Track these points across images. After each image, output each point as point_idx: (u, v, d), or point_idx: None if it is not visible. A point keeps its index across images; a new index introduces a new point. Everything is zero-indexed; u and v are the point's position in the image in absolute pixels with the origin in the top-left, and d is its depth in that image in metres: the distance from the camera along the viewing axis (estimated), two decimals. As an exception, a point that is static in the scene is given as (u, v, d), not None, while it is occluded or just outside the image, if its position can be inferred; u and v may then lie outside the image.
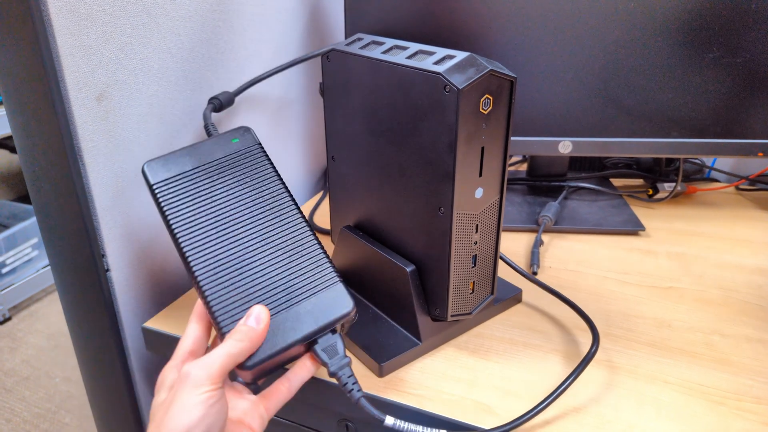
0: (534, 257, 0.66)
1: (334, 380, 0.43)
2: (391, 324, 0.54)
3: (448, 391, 0.48)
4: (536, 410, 0.44)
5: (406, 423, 0.41)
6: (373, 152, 0.52)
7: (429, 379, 0.49)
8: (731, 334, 0.55)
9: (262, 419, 0.42)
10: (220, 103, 0.63)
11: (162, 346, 0.58)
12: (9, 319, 1.82)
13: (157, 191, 0.46)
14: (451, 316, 0.50)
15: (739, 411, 0.45)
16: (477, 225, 0.48)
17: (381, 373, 0.49)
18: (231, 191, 0.47)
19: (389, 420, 0.40)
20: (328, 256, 0.46)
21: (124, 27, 0.53)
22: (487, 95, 0.43)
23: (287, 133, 0.84)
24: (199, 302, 0.44)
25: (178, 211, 0.46)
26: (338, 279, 0.45)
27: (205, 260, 0.44)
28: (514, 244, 0.72)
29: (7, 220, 1.97)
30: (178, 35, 0.59)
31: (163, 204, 0.46)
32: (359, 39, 0.52)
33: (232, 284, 0.44)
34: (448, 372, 0.50)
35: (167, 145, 0.60)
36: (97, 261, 0.55)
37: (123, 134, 0.55)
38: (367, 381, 0.49)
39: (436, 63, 0.44)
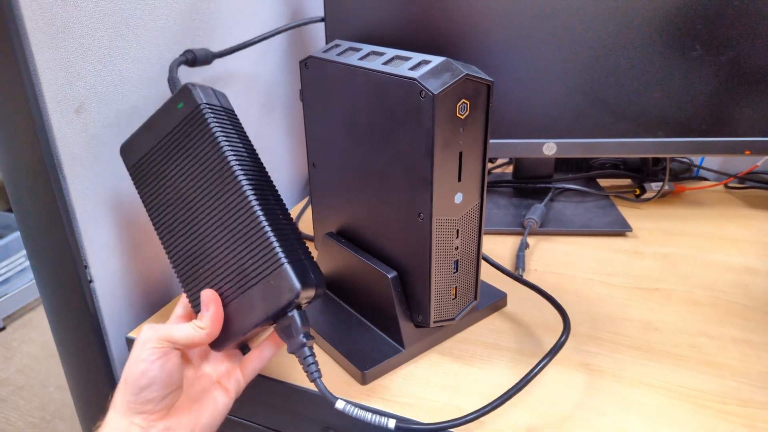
0: (519, 260, 0.66)
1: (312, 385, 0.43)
2: (373, 331, 0.54)
3: (432, 398, 0.48)
4: (496, 403, 0.44)
5: (356, 408, 0.41)
6: (352, 159, 0.52)
7: (412, 386, 0.49)
8: (718, 335, 0.55)
9: (238, 383, 0.46)
10: (194, 57, 0.58)
11: (146, 357, 0.57)
12: (3, 328, 1.82)
13: (132, 177, 0.49)
14: (434, 322, 0.50)
15: (723, 414, 0.45)
16: (457, 230, 0.48)
17: (364, 381, 0.49)
18: (184, 169, 0.46)
19: (339, 404, 0.41)
20: (277, 235, 0.43)
21: (102, 39, 0.52)
22: (463, 100, 0.43)
23: (271, 139, 0.84)
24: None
25: (148, 194, 0.48)
26: (284, 261, 0.42)
27: (172, 240, 0.46)
28: (500, 248, 0.72)
29: (0, 230, 1.97)
30: (158, 45, 0.58)
31: (138, 190, 0.49)
32: (337, 45, 0.52)
33: (193, 266, 0.45)
34: (431, 379, 0.50)
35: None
36: (80, 272, 0.55)
37: (103, 146, 0.55)
38: (350, 388, 0.49)
39: (412, 68, 0.44)
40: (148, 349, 0.40)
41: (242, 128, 0.49)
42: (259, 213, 0.43)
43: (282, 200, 0.47)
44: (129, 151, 0.50)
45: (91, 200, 0.55)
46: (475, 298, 0.53)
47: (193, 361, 0.47)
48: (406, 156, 0.45)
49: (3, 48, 0.47)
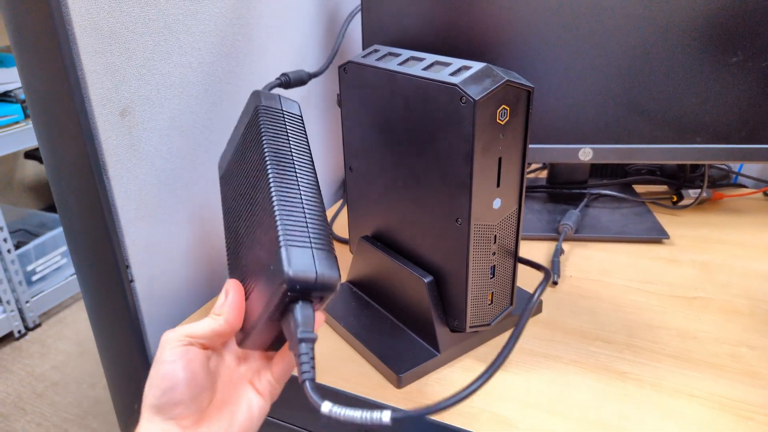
0: (554, 266, 0.66)
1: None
2: (409, 335, 0.54)
3: (467, 403, 0.47)
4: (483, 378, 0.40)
5: (344, 409, 0.35)
6: (390, 163, 0.52)
7: (447, 391, 0.49)
8: (759, 345, 0.53)
9: (270, 385, 0.43)
10: (288, 80, 0.57)
11: (184, 356, 0.58)
12: (39, 325, 1.87)
13: (221, 187, 0.52)
14: (470, 327, 0.50)
15: None
16: (495, 236, 0.48)
17: (399, 384, 0.49)
18: (241, 169, 0.47)
19: (325, 407, 0.36)
20: (287, 221, 0.40)
21: (147, 43, 0.54)
22: (503, 106, 0.43)
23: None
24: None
25: (223, 200, 0.50)
26: (282, 244, 0.38)
27: (228, 239, 0.48)
28: (534, 253, 0.71)
29: (36, 229, 2.02)
30: (199, 50, 0.60)
31: (222, 198, 0.51)
32: (375, 51, 0.53)
33: (233, 260, 0.46)
34: (466, 384, 0.50)
35: (189, 157, 0.61)
36: (122, 272, 0.56)
37: (146, 148, 0.56)
38: (385, 392, 0.49)
39: (452, 74, 0.44)
40: (168, 350, 0.39)
41: (301, 131, 0.48)
42: (275, 200, 0.41)
43: (317, 199, 0.44)
44: (220, 165, 0.53)
45: (133, 201, 0.56)
46: (511, 304, 0.53)
47: (226, 361, 0.44)
48: (445, 161, 0.45)
49: (53, 52, 0.48)
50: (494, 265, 0.49)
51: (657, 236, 0.73)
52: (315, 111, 0.85)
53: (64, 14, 0.47)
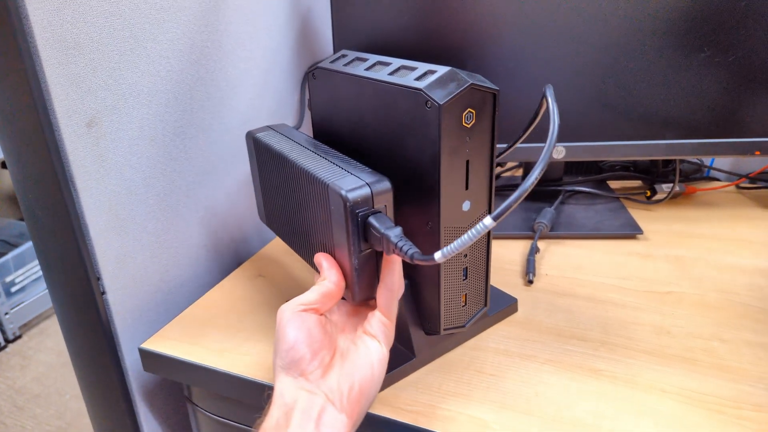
0: (530, 265, 0.66)
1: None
2: (385, 339, 0.54)
3: (444, 407, 0.48)
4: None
5: (451, 246, 0.37)
6: (361, 168, 0.52)
7: (423, 395, 0.49)
8: (731, 339, 0.54)
9: (382, 324, 0.45)
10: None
11: (159, 367, 0.58)
12: (19, 337, 1.84)
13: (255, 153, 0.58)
14: (444, 329, 0.50)
15: (738, 419, 0.45)
16: (466, 238, 0.48)
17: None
18: (280, 184, 0.54)
19: (438, 256, 0.38)
20: (322, 171, 0.46)
21: (112, 54, 0.53)
22: (469, 109, 0.43)
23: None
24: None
25: (282, 226, 0.57)
26: (327, 182, 0.44)
27: (295, 243, 0.56)
28: (510, 252, 0.71)
29: (15, 239, 1.99)
30: (167, 58, 0.59)
31: (256, 157, 0.58)
32: (343, 56, 0.52)
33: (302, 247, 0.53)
34: (443, 386, 0.50)
35: (160, 166, 0.61)
36: (93, 284, 0.56)
37: (114, 158, 0.56)
38: (361, 398, 0.49)
39: (417, 79, 0.44)
40: (286, 317, 0.43)
41: (298, 132, 0.57)
42: (307, 168, 0.47)
43: (340, 156, 0.50)
44: (260, 214, 0.62)
45: (103, 212, 0.55)
46: (485, 305, 0.53)
47: (338, 323, 0.47)
48: (414, 165, 0.46)
49: (15, 66, 0.47)
50: (466, 267, 0.49)
51: (631, 232, 0.73)
52: (288, 113, 0.85)
53: (26, 27, 0.46)
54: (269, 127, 0.59)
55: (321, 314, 0.44)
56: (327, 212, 0.45)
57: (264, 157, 0.56)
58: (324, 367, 0.42)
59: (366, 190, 0.43)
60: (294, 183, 0.50)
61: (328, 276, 0.45)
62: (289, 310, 0.43)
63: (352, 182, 0.43)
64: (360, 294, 0.45)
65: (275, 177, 0.54)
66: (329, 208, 0.45)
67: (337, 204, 0.43)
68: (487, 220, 0.36)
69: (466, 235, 0.37)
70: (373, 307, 0.46)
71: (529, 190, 0.35)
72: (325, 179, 0.45)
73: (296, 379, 0.41)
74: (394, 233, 0.41)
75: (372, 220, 0.43)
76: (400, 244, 0.41)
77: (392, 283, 0.45)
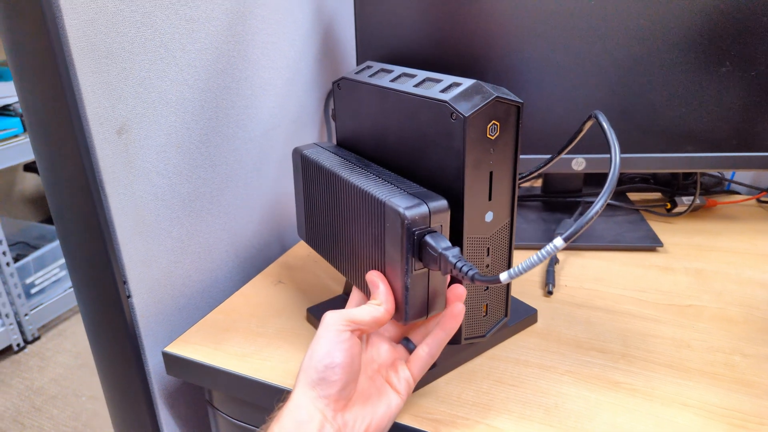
0: (549, 276, 0.66)
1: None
2: (405, 347, 0.54)
3: (463, 416, 0.48)
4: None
5: (518, 267, 0.38)
6: (384, 178, 0.53)
7: (443, 404, 0.49)
8: (753, 353, 0.54)
9: (407, 383, 0.46)
10: None
11: (182, 370, 0.59)
12: (38, 338, 1.87)
13: (302, 169, 0.57)
14: (465, 339, 0.50)
15: (760, 434, 0.45)
16: (488, 248, 0.49)
17: (395, 397, 0.49)
18: (328, 200, 0.53)
19: (504, 277, 0.39)
20: (377, 190, 0.46)
21: (143, 62, 0.55)
22: (493, 121, 0.44)
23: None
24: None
25: (324, 242, 0.56)
26: (384, 200, 0.44)
27: (325, 246, 0.56)
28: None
29: (36, 242, 2.03)
30: (195, 67, 0.60)
31: (302, 173, 0.58)
32: (368, 67, 0.53)
33: (349, 260, 0.51)
34: (462, 396, 0.50)
35: (186, 172, 0.62)
36: (119, 287, 0.57)
37: (143, 164, 0.57)
38: (381, 405, 0.50)
39: (443, 91, 0.44)
40: (333, 331, 0.41)
41: (343, 150, 0.57)
42: (362, 187, 0.46)
43: (394, 176, 0.49)
44: (300, 233, 0.61)
45: (130, 217, 0.56)
46: (506, 315, 0.53)
47: (369, 355, 0.47)
48: (438, 176, 0.46)
49: (50, 73, 0.49)
50: (488, 278, 0.50)
51: (651, 244, 0.73)
52: (309, 123, 0.86)
53: (62, 36, 0.48)
54: (316, 144, 0.59)
55: (362, 335, 0.44)
56: (381, 230, 0.45)
57: (311, 174, 0.55)
58: (347, 399, 0.42)
59: (424, 209, 0.42)
60: (345, 200, 0.50)
61: (385, 302, 0.44)
62: (338, 323, 0.42)
63: (409, 201, 0.43)
64: (410, 314, 0.45)
65: (323, 194, 0.54)
66: (384, 225, 0.44)
67: (393, 222, 0.43)
68: (558, 241, 0.36)
69: (534, 256, 0.37)
70: (400, 354, 0.47)
71: (599, 212, 0.37)
72: (381, 197, 0.44)
73: (319, 398, 0.40)
74: (452, 253, 0.41)
75: (428, 239, 0.42)
76: (459, 264, 0.41)
77: (436, 352, 0.46)
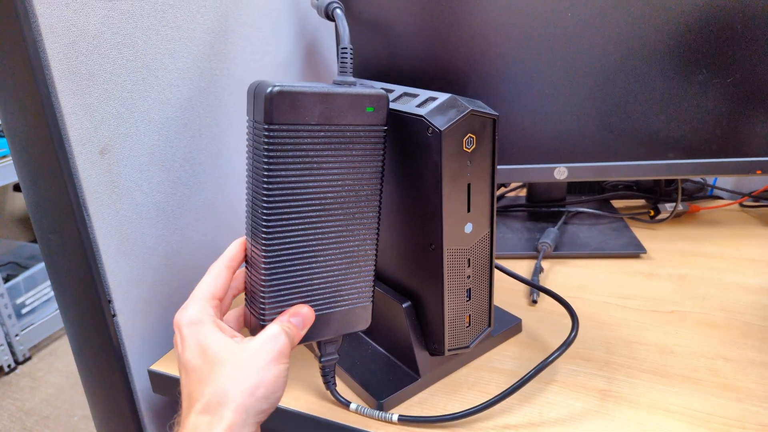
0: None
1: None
2: (390, 359, 0.54)
3: (450, 427, 0.48)
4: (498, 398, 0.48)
5: (366, 407, 0.49)
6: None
7: (429, 415, 0.49)
8: (735, 358, 0.54)
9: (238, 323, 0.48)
10: None
11: (168, 388, 0.59)
12: (29, 358, 1.85)
13: (267, 135, 0.40)
14: (449, 350, 0.51)
15: (742, 438, 0.45)
16: (469, 259, 0.49)
17: (381, 410, 0.50)
18: (336, 172, 0.43)
19: (353, 405, 0.48)
20: (374, 271, 0.47)
21: (125, 83, 0.55)
22: (469, 134, 0.44)
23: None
24: (236, 251, 0.48)
25: (280, 169, 0.41)
26: (371, 299, 0.48)
27: (282, 236, 0.42)
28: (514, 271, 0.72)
29: (26, 261, 2.02)
30: (177, 86, 0.61)
31: (268, 149, 0.40)
32: (348, 83, 0.54)
33: (293, 271, 0.43)
34: (448, 407, 0.50)
35: (170, 190, 0.62)
36: (104, 306, 0.57)
37: (126, 184, 0.57)
38: (367, 418, 0.50)
39: (419, 105, 0.45)
40: (283, 364, 0.41)
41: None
42: (374, 249, 0.47)
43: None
44: (285, 106, 0.40)
45: (114, 237, 0.57)
46: (489, 325, 0.53)
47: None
48: (417, 189, 0.47)
49: (31, 96, 0.49)
50: (470, 288, 0.50)
51: (634, 251, 0.74)
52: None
53: (42, 59, 0.48)
54: None
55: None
56: (346, 299, 0.47)
57: None
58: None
59: (363, 329, 0.49)
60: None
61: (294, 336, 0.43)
62: (286, 357, 0.41)
63: (367, 314, 0.48)
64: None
65: None
66: (354, 305, 0.47)
67: (359, 317, 0.48)
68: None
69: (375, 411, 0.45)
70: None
71: None
72: (371, 290, 0.48)
73: (257, 418, 0.39)
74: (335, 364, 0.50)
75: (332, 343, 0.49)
76: (332, 373, 0.50)
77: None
